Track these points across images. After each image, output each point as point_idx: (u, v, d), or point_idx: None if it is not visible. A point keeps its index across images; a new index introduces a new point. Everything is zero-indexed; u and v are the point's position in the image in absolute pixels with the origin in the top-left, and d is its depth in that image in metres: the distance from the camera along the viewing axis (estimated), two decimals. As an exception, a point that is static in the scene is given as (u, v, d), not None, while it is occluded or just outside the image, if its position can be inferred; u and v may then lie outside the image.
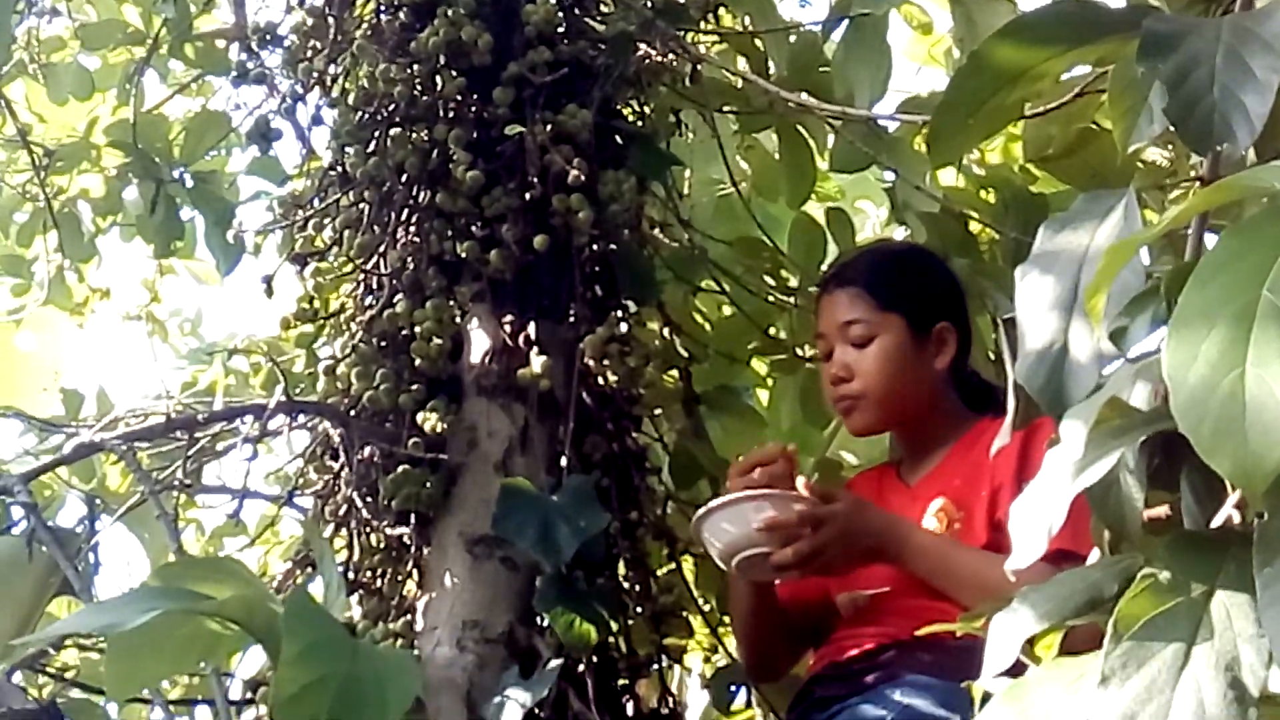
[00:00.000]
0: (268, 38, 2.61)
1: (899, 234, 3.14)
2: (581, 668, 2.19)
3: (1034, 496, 1.27)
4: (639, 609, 2.38)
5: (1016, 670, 1.23)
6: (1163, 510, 1.90)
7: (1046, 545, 1.23)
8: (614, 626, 2.29)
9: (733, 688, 2.60)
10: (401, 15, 2.52)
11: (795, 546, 1.93)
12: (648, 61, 2.62)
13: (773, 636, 2.25)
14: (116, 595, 1.33)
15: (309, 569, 2.35)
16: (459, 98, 2.43)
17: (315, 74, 2.52)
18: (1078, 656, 1.18)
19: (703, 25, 2.85)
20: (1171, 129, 1.30)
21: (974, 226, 2.83)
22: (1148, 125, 1.43)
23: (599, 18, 2.66)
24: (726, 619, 2.65)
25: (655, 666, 2.38)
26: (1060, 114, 2.44)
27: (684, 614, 2.42)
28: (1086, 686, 1.06)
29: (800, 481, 2.01)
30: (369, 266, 2.46)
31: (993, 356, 2.60)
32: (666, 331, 2.66)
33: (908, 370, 2.17)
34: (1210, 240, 1.43)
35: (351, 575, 2.30)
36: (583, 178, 2.32)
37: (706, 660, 2.65)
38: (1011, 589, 1.27)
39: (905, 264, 2.31)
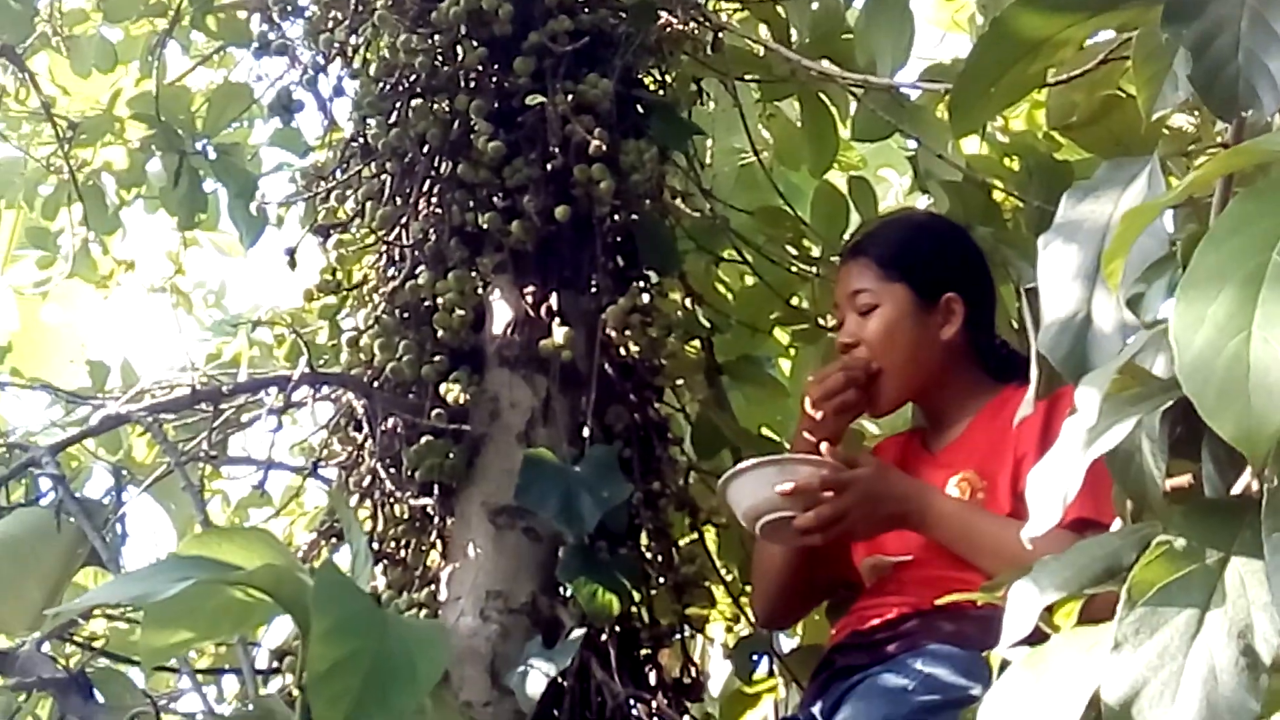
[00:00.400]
0: (289, 9, 2.61)
1: (922, 202, 3.13)
2: (604, 637, 2.21)
3: (1051, 465, 1.27)
4: (661, 579, 2.39)
5: (1036, 639, 1.23)
6: (1185, 479, 1.89)
7: (1062, 513, 1.23)
8: (636, 596, 2.30)
9: (755, 657, 2.61)
10: (422, -15, 2.52)
11: (817, 510, 1.95)
12: (669, 30, 2.61)
13: (793, 592, 2.28)
14: (146, 565, 1.34)
15: (334, 540, 2.36)
16: (480, 68, 2.43)
17: (336, 45, 2.52)
18: (1096, 624, 1.18)
19: (724, -7, 2.84)
20: (1196, 95, 1.29)
21: (997, 195, 2.81)
22: (1172, 91, 1.42)
23: (620, -14, 2.64)
24: (749, 589, 2.65)
25: (678, 636, 2.39)
26: (1084, 81, 2.42)
27: (706, 584, 2.43)
28: (1102, 653, 1.06)
29: (824, 447, 2.01)
30: (391, 238, 2.46)
31: (1016, 325, 2.58)
32: (688, 302, 2.66)
33: (911, 340, 2.17)
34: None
35: (376, 546, 2.31)
36: (604, 148, 2.32)
37: (729, 630, 2.66)
38: (1032, 556, 1.27)
39: (916, 234, 2.30)
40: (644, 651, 2.33)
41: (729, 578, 2.57)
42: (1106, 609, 1.19)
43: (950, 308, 2.19)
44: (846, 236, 2.87)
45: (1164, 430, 1.26)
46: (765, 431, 2.87)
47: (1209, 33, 1.26)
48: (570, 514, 2.14)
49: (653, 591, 2.36)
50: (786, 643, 2.75)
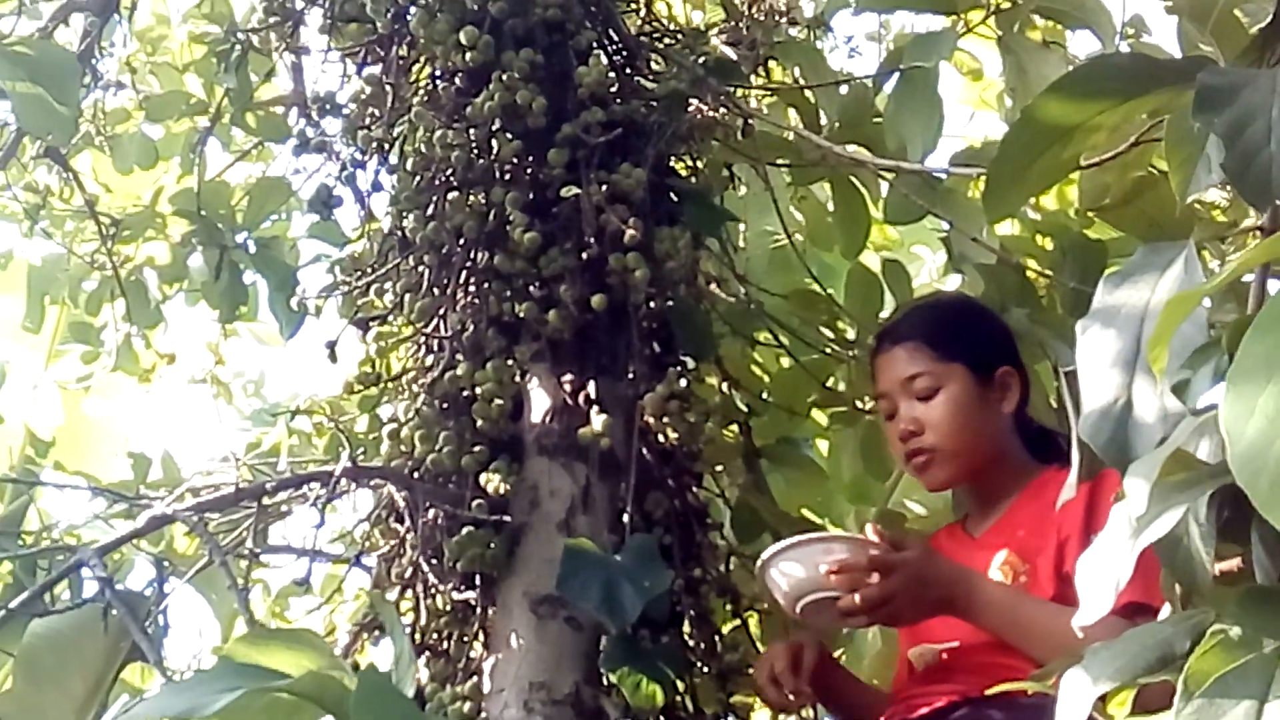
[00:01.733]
0: (327, 106, 2.66)
1: (954, 281, 3.14)
2: (649, 727, 2.19)
3: (1100, 552, 1.27)
4: (705, 667, 2.37)
5: (1090, 728, 1.22)
6: (1234, 563, 1.87)
7: (1113, 601, 1.22)
8: (680, 685, 2.29)
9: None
10: (457, 81, 2.56)
11: (864, 592, 1.89)
12: (700, 118, 2.65)
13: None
14: (192, 675, 1.35)
15: (376, 632, 2.36)
16: (515, 160, 2.46)
17: (374, 141, 2.57)
18: (1152, 715, 1.17)
19: (753, 80, 2.87)
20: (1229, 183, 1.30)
21: (1031, 274, 2.82)
22: (1205, 175, 1.43)
23: (651, 77, 2.69)
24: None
25: (723, 724, 2.36)
26: (1116, 163, 2.43)
27: (750, 671, 2.40)
28: None
29: (869, 528, 1.98)
30: (429, 329, 2.49)
31: (1054, 404, 2.58)
32: (725, 386, 2.67)
33: (977, 418, 2.17)
34: (1273, 289, 1.43)
35: (418, 637, 2.31)
36: (638, 236, 2.34)
37: (773, 717, 2.63)
38: (1083, 643, 1.26)
39: (959, 313, 2.32)
40: (689, 741, 2.31)
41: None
42: (1160, 697, 1.18)
43: (1006, 382, 2.20)
44: (882, 317, 2.88)
45: (1211, 514, 1.25)
46: (805, 513, 2.87)
47: (1241, 121, 1.27)
48: (612, 605, 2.13)
49: (696, 680, 2.35)
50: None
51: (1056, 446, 2.17)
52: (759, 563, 2.00)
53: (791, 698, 2.11)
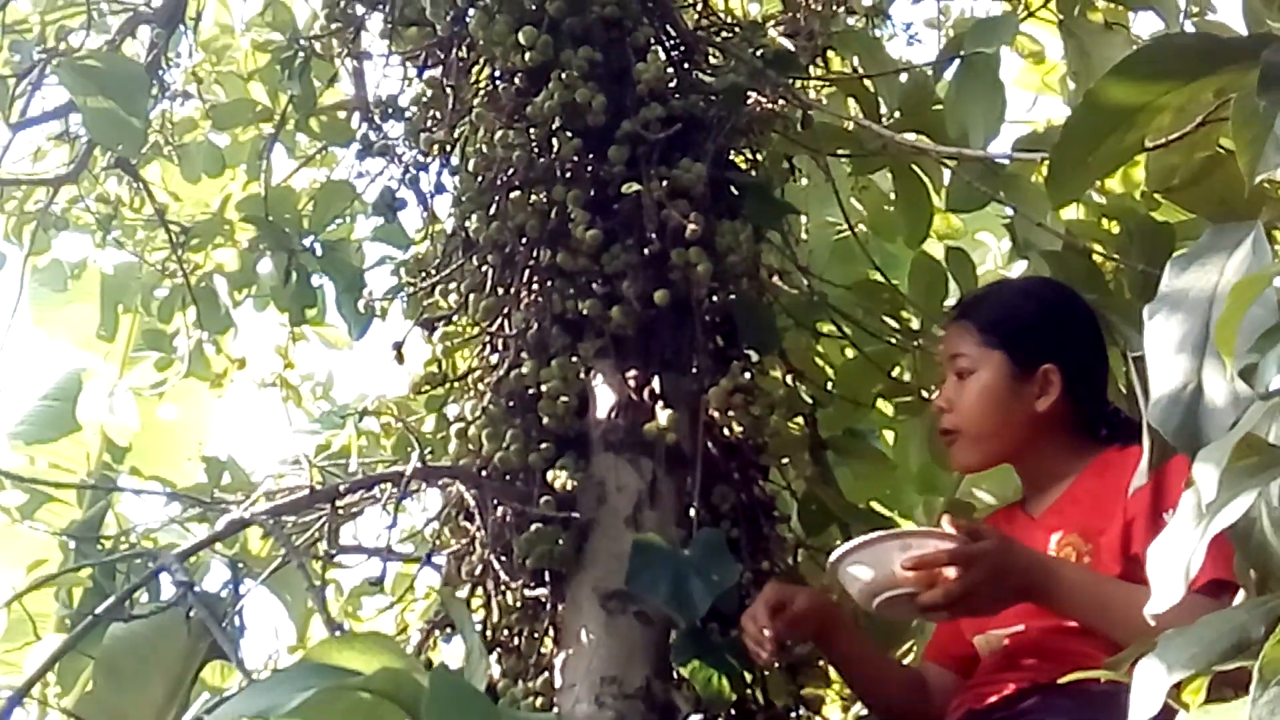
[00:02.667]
0: (389, 110, 2.69)
1: (1019, 267, 3.11)
2: (720, 721, 2.19)
3: (1170, 540, 1.25)
4: (775, 660, 2.37)
5: (1164, 716, 1.21)
6: (1312, 546, 1.84)
7: (1185, 589, 1.21)
8: (750, 678, 2.29)
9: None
10: (516, 81, 2.58)
11: (945, 587, 1.85)
12: (759, 110, 2.64)
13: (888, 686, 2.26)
14: (271, 676, 1.38)
15: (448, 629, 2.39)
16: (575, 158, 2.47)
17: (436, 143, 2.59)
18: (1227, 702, 1.16)
19: (812, 71, 2.86)
20: (1297, 161, 1.28)
21: (1097, 259, 2.79)
22: (1274, 154, 1.40)
23: (709, 71, 2.69)
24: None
25: (794, 717, 2.36)
26: (1183, 143, 2.39)
27: (820, 663, 2.40)
28: None
29: (945, 520, 1.94)
30: (494, 328, 2.51)
31: (1124, 390, 2.55)
32: (789, 379, 2.66)
33: (1002, 409, 2.15)
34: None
35: (489, 634, 2.33)
36: (700, 231, 2.34)
37: (845, 709, 2.62)
38: (1164, 624, 1.25)
39: (1020, 302, 2.27)
40: (761, 734, 2.32)
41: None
42: (1235, 681, 1.16)
43: (1048, 379, 2.15)
44: (947, 305, 2.86)
45: (1284, 497, 1.24)
46: (873, 505, 2.85)
47: (1307, 98, 1.26)
48: (681, 599, 2.14)
49: (766, 673, 2.34)
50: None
51: (1117, 425, 2.15)
52: (830, 560, 1.98)
53: (766, 636, 2.08)
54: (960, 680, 2.20)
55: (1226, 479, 1.19)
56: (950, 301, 2.87)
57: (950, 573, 1.86)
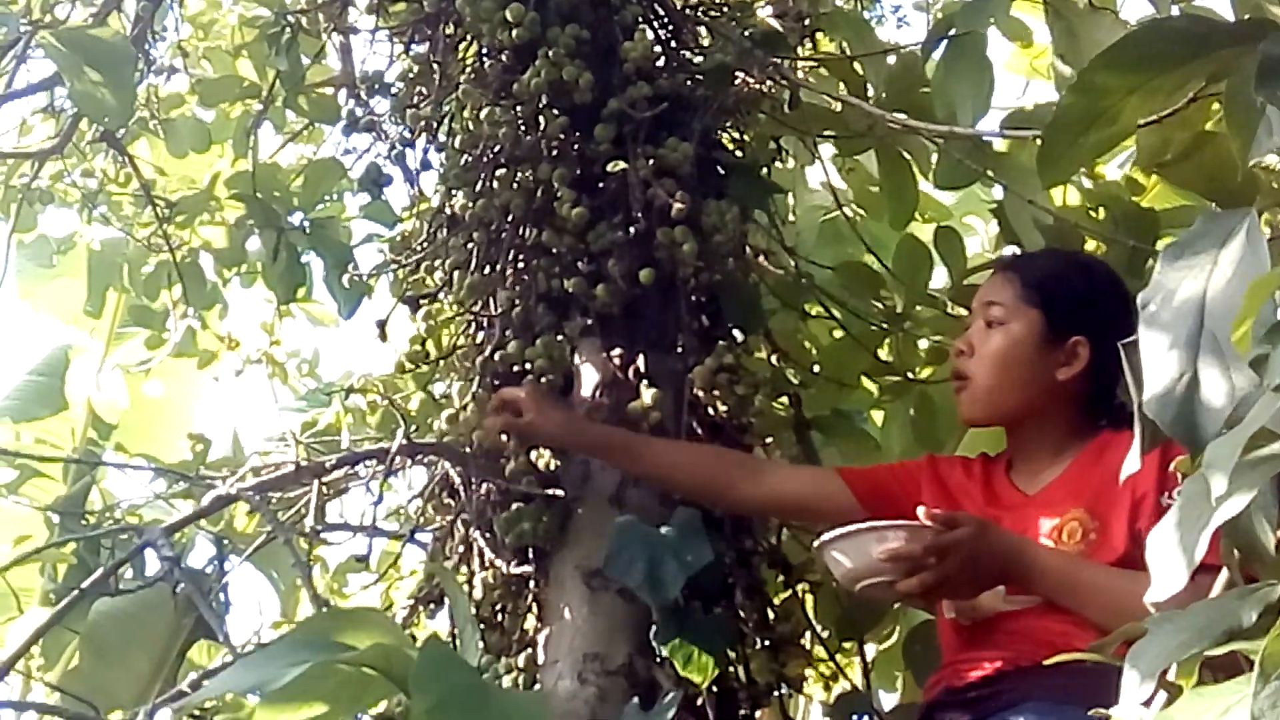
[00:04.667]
0: (375, 86, 2.68)
1: (1007, 252, 3.11)
2: (702, 699, 2.20)
3: (1171, 528, 1.25)
4: (757, 638, 2.38)
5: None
6: (1292, 531, 1.85)
7: (1188, 577, 1.21)
8: (733, 656, 2.30)
9: (855, 715, 2.58)
10: (503, 58, 2.57)
11: (920, 577, 1.89)
12: (746, 90, 2.64)
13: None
14: (262, 649, 1.38)
15: (431, 605, 2.39)
16: (561, 136, 2.47)
17: (422, 119, 2.58)
18: (1218, 685, 1.15)
19: (800, 51, 2.86)
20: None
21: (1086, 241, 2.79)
22: (1267, 138, 1.40)
23: (697, 50, 2.68)
24: (846, 645, 2.64)
25: (776, 695, 2.38)
26: (1174, 119, 2.38)
27: (803, 642, 2.41)
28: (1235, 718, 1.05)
29: (921, 510, 1.96)
30: (479, 306, 2.50)
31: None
32: (775, 359, 2.67)
33: (1025, 369, 2.13)
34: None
35: (474, 611, 2.34)
36: (685, 210, 2.34)
37: (827, 688, 2.63)
38: (1144, 609, 1.25)
39: (1070, 269, 2.26)
40: (742, 712, 2.33)
41: (825, 635, 2.55)
42: (1224, 667, 1.17)
43: (1075, 350, 2.14)
44: (932, 287, 2.87)
45: (1272, 484, 1.24)
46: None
47: (1303, 93, 1.25)
48: (654, 581, 2.15)
49: (749, 651, 2.35)
50: (887, 699, 2.73)
51: (1117, 416, 2.14)
52: (816, 545, 2.00)
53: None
54: (845, 509, 2.20)
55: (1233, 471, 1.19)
56: (936, 283, 2.88)
57: (928, 562, 1.88)
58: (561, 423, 2.34)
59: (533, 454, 2.35)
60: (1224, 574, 1.35)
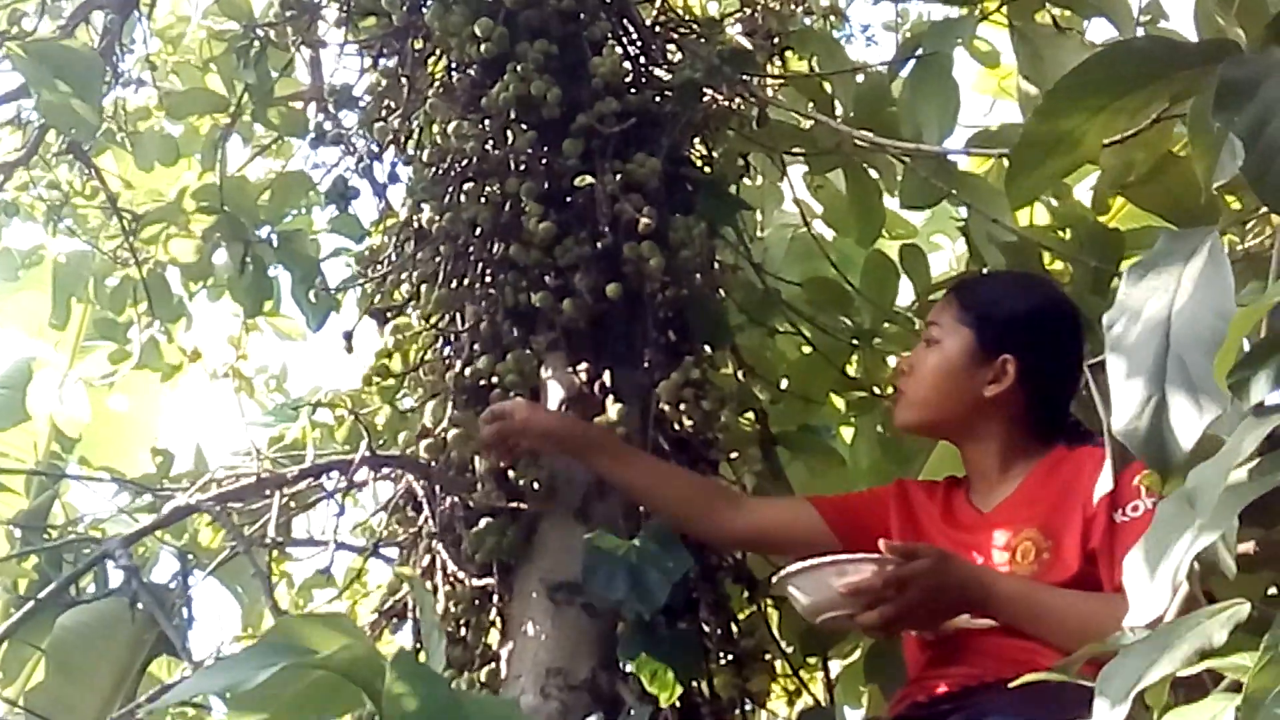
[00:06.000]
0: (344, 100, 2.67)
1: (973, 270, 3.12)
2: (665, 714, 2.19)
3: (1150, 552, 1.25)
4: (722, 653, 2.38)
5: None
6: (1250, 546, 1.86)
7: (1169, 602, 1.21)
8: (697, 672, 2.29)
9: (818, 731, 2.58)
10: (472, 72, 2.58)
11: (880, 610, 1.90)
12: (714, 107, 2.65)
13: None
14: (228, 656, 1.37)
15: (395, 620, 2.38)
16: (529, 151, 2.47)
17: (390, 133, 2.58)
18: (1192, 705, 1.16)
19: (769, 69, 2.87)
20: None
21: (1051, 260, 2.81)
22: (1230, 162, 1.41)
23: (666, 67, 2.69)
24: (810, 660, 2.63)
25: (740, 711, 2.37)
26: (1140, 140, 2.41)
27: (767, 657, 2.41)
28: None
29: (882, 543, 1.95)
30: (445, 321, 2.50)
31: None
32: (741, 374, 2.67)
33: (951, 382, 2.18)
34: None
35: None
36: (653, 225, 2.35)
37: (790, 704, 2.63)
38: (1106, 630, 1.26)
39: (1008, 291, 2.30)
40: (706, 727, 2.32)
41: (789, 650, 2.55)
42: (1187, 684, 1.17)
43: (1004, 369, 2.17)
44: (899, 304, 2.88)
45: (1231, 500, 1.24)
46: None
47: (1261, 117, 1.25)
48: (640, 591, 2.14)
49: (713, 666, 2.35)
50: (851, 715, 2.73)
51: (1074, 435, 2.16)
52: (775, 580, 2.00)
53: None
54: (815, 537, 2.22)
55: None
56: (902, 300, 2.89)
57: (887, 594, 1.89)
58: (555, 419, 2.36)
59: (500, 467, 2.34)
60: (1183, 590, 1.35)
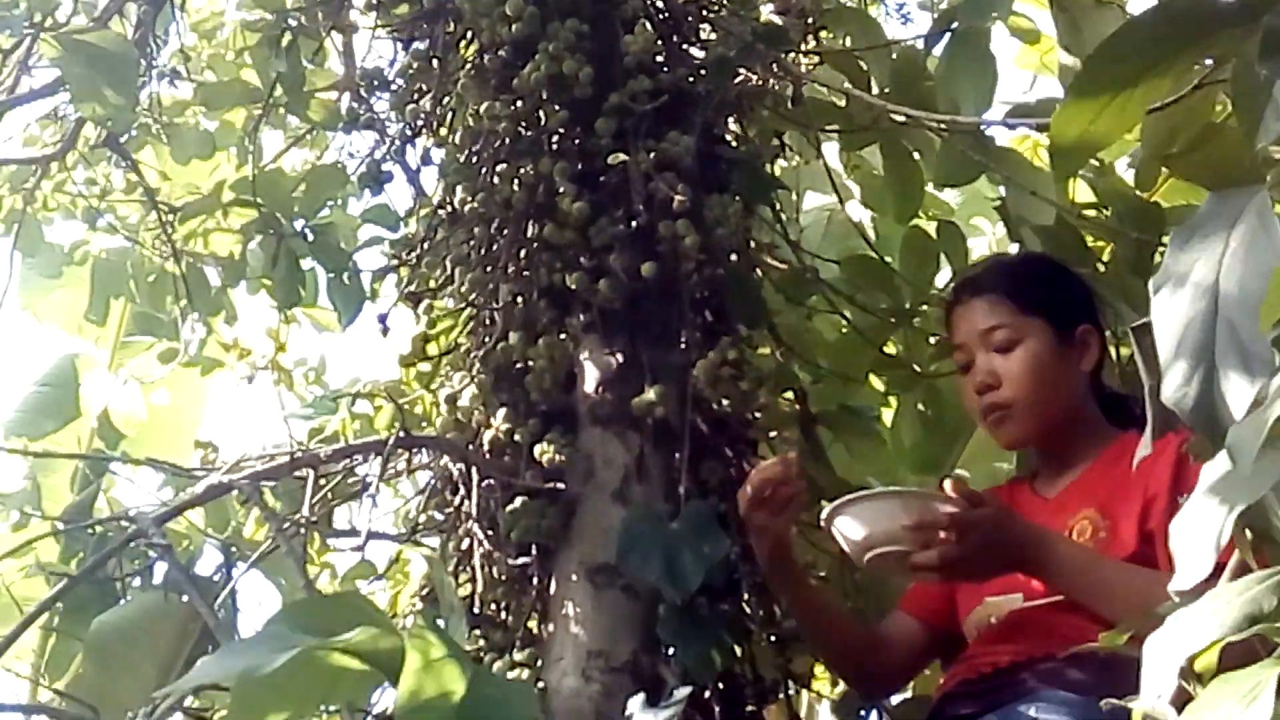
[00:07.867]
0: (375, 83, 2.67)
1: (1013, 250, 3.08)
2: (708, 695, 2.17)
3: (1193, 516, 1.23)
4: (764, 634, 2.35)
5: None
6: (1304, 510, 1.82)
7: (1213, 565, 1.19)
8: (739, 652, 2.27)
9: (862, 711, 2.55)
10: (503, 53, 2.56)
11: (940, 550, 1.85)
12: (748, 85, 2.62)
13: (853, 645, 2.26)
14: (246, 639, 1.35)
15: (436, 603, 2.37)
16: (562, 130, 2.45)
17: (423, 116, 2.57)
18: (1238, 671, 1.13)
19: (803, 46, 2.84)
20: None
21: (1090, 238, 2.77)
22: (1275, 120, 1.38)
23: (698, 44, 2.67)
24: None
25: (782, 692, 2.35)
26: (1181, 108, 2.35)
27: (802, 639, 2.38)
28: (1262, 704, 1.02)
29: (947, 483, 1.92)
30: (481, 302, 2.48)
31: (1117, 367, 2.52)
32: (780, 354, 2.64)
33: (1056, 374, 2.13)
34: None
35: (477, 609, 2.31)
36: (687, 204, 2.32)
37: (834, 684, 2.60)
38: (1159, 603, 1.23)
39: (1040, 268, 2.29)
40: (749, 708, 2.30)
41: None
42: (1241, 655, 1.15)
43: (1086, 340, 2.16)
44: (937, 282, 2.84)
45: (1281, 463, 1.21)
46: (869, 481, 2.83)
47: (1310, 65, 1.23)
48: (674, 574, 2.13)
49: (755, 647, 2.33)
50: (895, 694, 2.69)
51: (1131, 412, 2.12)
52: (828, 509, 1.96)
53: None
54: (927, 637, 2.21)
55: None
56: (941, 277, 2.85)
57: (948, 536, 1.85)
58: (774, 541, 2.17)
59: (536, 449, 2.32)
60: (1234, 557, 1.32)
